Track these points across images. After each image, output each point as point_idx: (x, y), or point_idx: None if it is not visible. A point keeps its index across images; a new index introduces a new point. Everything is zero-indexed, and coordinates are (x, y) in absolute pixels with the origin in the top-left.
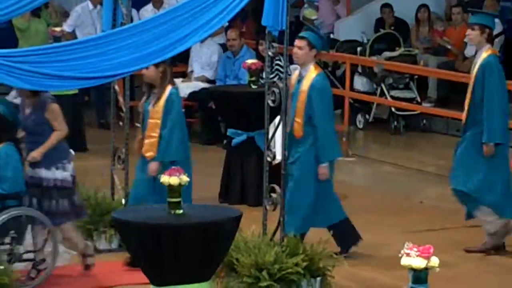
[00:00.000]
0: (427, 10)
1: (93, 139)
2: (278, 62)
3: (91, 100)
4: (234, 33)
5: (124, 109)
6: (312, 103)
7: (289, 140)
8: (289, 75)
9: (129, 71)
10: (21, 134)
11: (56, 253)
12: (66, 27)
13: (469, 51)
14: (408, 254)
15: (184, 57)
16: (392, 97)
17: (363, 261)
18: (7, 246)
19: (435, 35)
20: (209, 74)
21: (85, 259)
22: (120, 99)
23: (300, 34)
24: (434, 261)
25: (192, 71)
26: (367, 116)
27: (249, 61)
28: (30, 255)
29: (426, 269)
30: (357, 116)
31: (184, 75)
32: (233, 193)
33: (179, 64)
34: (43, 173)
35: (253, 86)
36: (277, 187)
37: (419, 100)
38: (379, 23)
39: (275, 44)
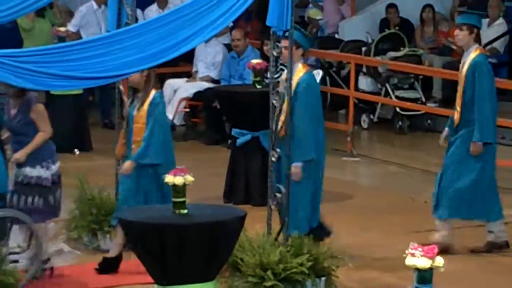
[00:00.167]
0: (432, 10)
1: (98, 139)
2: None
3: (95, 100)
4: (239, 33)
5: (128, 109)
6: (296, 102)
7: (277, 140)
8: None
9: (134, 71)
10: (5, 135)
11: (40, 252)
12: (71, 27)
13: None
14: (412, 254)
15: (188, 57)
16: (396, 97)
17: (368, 261)
18: None
19: (440, 35)
20: (213, 74)
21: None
22: (125, 99)
23: (286, 34)
24: (439, 261)
25: (196, 71)
26: (371, 116)
27: (254, 61)
28: (16, 257)
29: (430, 269)
30: (362, 116)
31: (189, 75)
32: (238, 193)
33: (183, 64)
34: (28, 171)
35: (258, 86)
36: (282, 187)
37: (423, 100)
38: (384, 23)
39: (279, 44)
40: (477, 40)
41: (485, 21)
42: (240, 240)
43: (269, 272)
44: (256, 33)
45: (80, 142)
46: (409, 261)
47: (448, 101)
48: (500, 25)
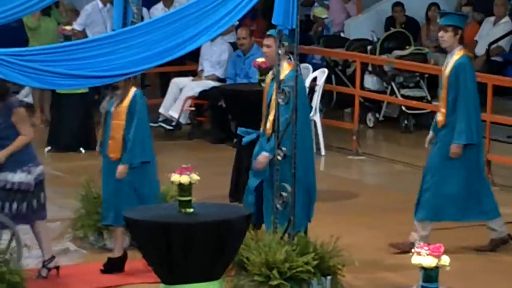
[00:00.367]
0: (437, 8)
1: None
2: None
3: (101, 99)
4: (244, 31)
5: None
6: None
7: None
8: (300, 73)
9: (140, 70)
10: None
11: (21, 254)
12: (77, 25)
13: (479, 50)
14: (418, 253)
15: (194, 56)
16: (402, 95)
17: (374, 259)
18: None
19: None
20: (219, 73)
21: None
22: None
23: (268, 33)
24: (445, 259)
25: (202, 70)
26: (377, 115)
27: (259, 59)
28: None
29: (436, 267)
30: (367, 114)
31: (194, 74)
32: (243, 191)
33: (189, 63)
34: (9, 176)
35: (263, 85)
36: (287, 186)
37: (429, 98)
38: (390, 22)
39: (285, 43)
40: (461, 41)
41: (491, 20)
42: (246, 238)
43: (275, 271)
44: (262, 32)
45: (86, 141)
46: (415, 260)
47: None
48: (506, 24)
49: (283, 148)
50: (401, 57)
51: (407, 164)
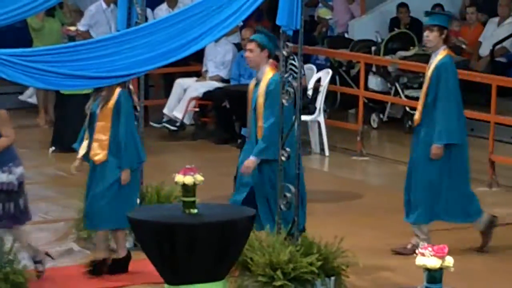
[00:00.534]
0: (441, 9)
1: None
2: (292, 61)
3: None
4: (249, 32)
5: (138, 108)
6: (266, 102)
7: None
8: (304, 74)
9: (144, 71)
10: None
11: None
12: (81, 26)
13: (483, 51)
14: (422, 254)
15: (198, 57)
16: (406, 96)
17: (378, 260)
18: None
19: (449, 35)
20: (223, 74)
21: (36, 265)
22: (135, 98)
23: (250, 37)
24: (449, 260)
25: (206, 71)
26: (381, 116)
27: None
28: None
29: (440, 268)
30: (371, 115)
31: (199, 75)
32: None
33: (193, 63)
34: None
35: None
36: (291, 187)
37: None
38: (394, 23)
39: (289, 44)
40: (446, 41)
41: (495, 20)
42: (250, 239)
43: (278, 272)
44: None
45: None
46: (419, 261)
47: None
48: (510, 24)
49: (287, 149)
50: (405, 58)
51: None
